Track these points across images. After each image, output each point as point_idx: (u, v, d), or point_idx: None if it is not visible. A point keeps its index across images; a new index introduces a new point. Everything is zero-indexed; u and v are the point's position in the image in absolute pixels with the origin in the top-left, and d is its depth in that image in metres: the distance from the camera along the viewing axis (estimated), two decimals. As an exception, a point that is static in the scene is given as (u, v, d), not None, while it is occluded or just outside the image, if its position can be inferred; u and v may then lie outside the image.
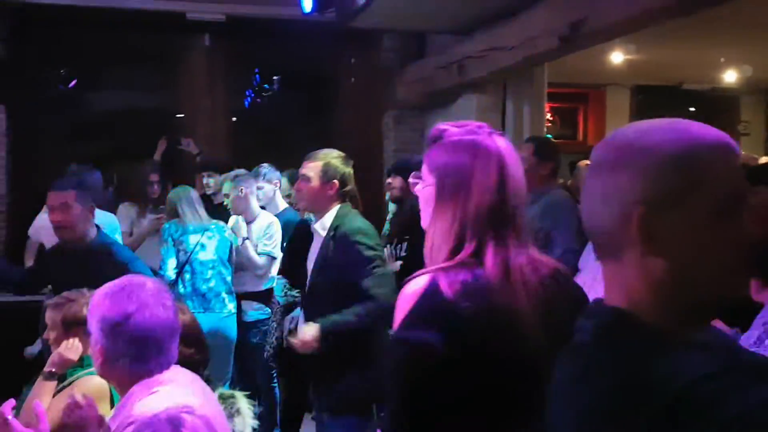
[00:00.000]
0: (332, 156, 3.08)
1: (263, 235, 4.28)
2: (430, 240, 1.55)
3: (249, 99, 6.64)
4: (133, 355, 1.89)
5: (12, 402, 2.11)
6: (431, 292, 1.44)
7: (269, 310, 4.09)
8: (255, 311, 4.32)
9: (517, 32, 4.24)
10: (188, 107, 6.23)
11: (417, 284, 1.48)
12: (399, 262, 3.61)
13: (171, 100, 6.43)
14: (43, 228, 4.02)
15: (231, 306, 4.24)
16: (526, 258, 1.50)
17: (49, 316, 2.79)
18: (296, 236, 3.65)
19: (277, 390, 4.21)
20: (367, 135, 6.22)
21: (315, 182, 3.04)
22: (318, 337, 2.85)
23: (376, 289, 2.85)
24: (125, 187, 5.51)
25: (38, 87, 5.99)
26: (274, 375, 4.16)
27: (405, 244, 3.64)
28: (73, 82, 6.36)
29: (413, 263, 1.88)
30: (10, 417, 2.02)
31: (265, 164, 4.57)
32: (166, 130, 5.79)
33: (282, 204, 4.56)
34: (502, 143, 1.57)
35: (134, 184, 5.10)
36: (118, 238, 3.96)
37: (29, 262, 4.39)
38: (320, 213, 3.10)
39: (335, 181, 3.04)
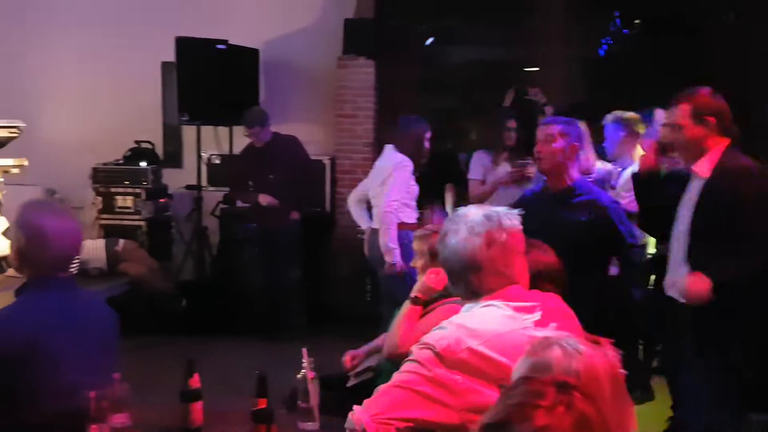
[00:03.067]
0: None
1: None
2: None
3: (605, 46, 6.27)
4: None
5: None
6: None
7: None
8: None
9: None
10: (540, 57, 6.12)
11: None
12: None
13: (522, 51, 6.37)
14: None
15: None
16: None
17: (417, 245, 2.89)
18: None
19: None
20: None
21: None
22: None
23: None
24: (480, 135, 5.60)
25: (401, 43, 6.35)
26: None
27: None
28: (430, 40, 6.63)
29: None
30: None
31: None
32: (515, 82, 5.77)
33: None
34: None
35: (489, 131, 5.13)
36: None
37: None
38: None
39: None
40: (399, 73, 6.23)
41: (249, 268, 6.05)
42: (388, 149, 4.67)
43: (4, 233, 4.89)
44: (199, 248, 6.47)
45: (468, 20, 6.39)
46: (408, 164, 4.51)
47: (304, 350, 2.37)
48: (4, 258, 5.54)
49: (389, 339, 2.79)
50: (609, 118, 4.39)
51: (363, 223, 4.99)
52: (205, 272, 6.43)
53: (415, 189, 4.63)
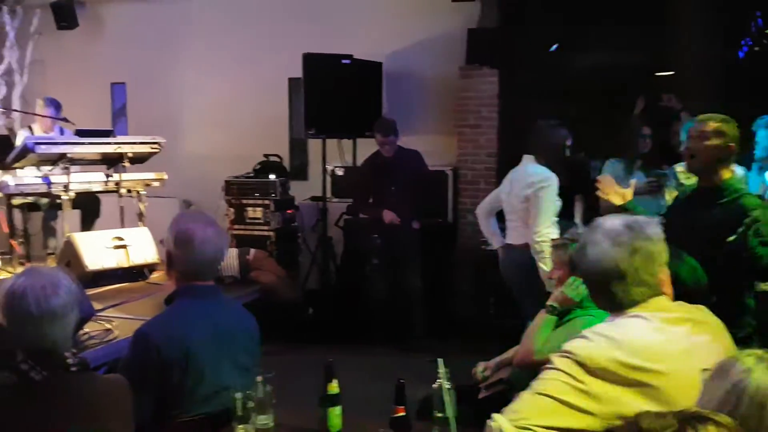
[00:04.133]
0: None
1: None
2: None
3: (746, 48, 5.92)
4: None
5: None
6: None
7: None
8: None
9: None
10: (673, 60, 5.84)
11: None
12: None
13: (654, 55, 6.11)
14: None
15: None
16: None
17: (556, 255, 2.83)
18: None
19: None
20: None
21: None
22: None
23: None
24: (611, 143, 5.41)
25: (525, 50, 6.26)
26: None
27: None
28: (555, 46, 6.49)
29: None
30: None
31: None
32: (646, 87, 5.56)
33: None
34: None
35: (622, 138, 4.95)
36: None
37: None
38: None
39: None
40: (523, 81, 6.13)
41: (372, 278, 6.12)
42: (527, 160, 4.34)
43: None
44: (324, 258, 6.61)
45: (595, 24, 6.20)
46: (553, 181, 4.16)
47: (440, 360, 2.35)
48: (147, 265, 5.88)
49: (524, 347, 2.74)
50: (761, 123, 4.11)
51: (495, 241, 4.66)
52: (330, 282, 6.57)
53: (559, 204, 4.29)
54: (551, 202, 4.15)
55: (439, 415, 2.28)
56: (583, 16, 6.02)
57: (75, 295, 2.15)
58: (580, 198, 5.51)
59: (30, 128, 6.62)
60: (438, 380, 2.32)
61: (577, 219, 5.26)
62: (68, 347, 2.07)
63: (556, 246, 2.86)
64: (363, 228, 6.33)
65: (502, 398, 2.95)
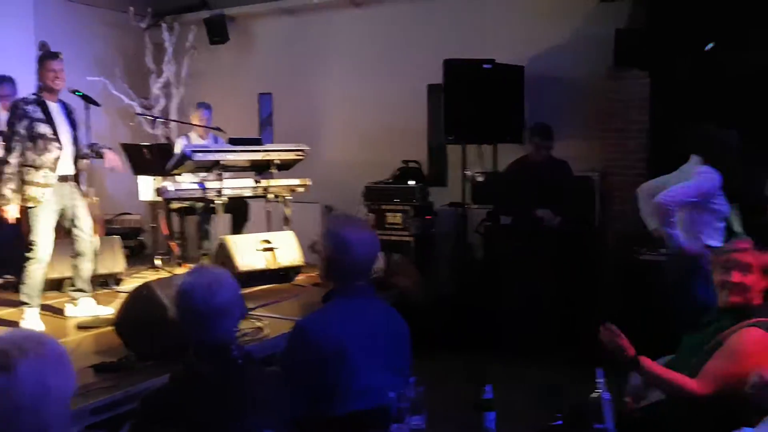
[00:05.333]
0: None
1: None
2: None
3: None
4: None
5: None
6: None
7: None
8: None
9: None
10: None
11: None
12: None
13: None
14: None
15: None
16: None
17: (741, 257, 2.73)
18: None
19: None
20: None
21: None
22: None
23: None
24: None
25: (677, 51, 5.94)
26: None
27: None
28: (710, 45, 6.11)
29: None
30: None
31: None
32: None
33: None
34: None
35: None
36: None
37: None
38: None
39: None
40: (677, 82, 5.82)
41: (512, 285, 6.00)
42: (694, 161, 4.16)
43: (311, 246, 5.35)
44: (462, 264, 6.57)
45: (754, 21, 5.77)
46: (715, 176, 3.99)
47: (600, 370, 2.26)
48: (293, 268, 6.08)
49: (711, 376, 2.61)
50: None
51: (652, 223, 4.34)
52: (468, 288, 6.51)
53: (723, 209, 4.09)
54: (702, 191, 4.00)
55: (598, 426, 2.20)
56: (741, 13, 5.63)
57: (238, 293, 2.25)
58: (735, 206, 5.16)
59: (187, 136, 7.04)
60: (597, 390, 2.24)
61: (736, 227, 4.91)
62: (233, 341, 2.17)
63: (740, 250, 2.74)
64: (503, 234, 6.24)
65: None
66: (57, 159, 4.67)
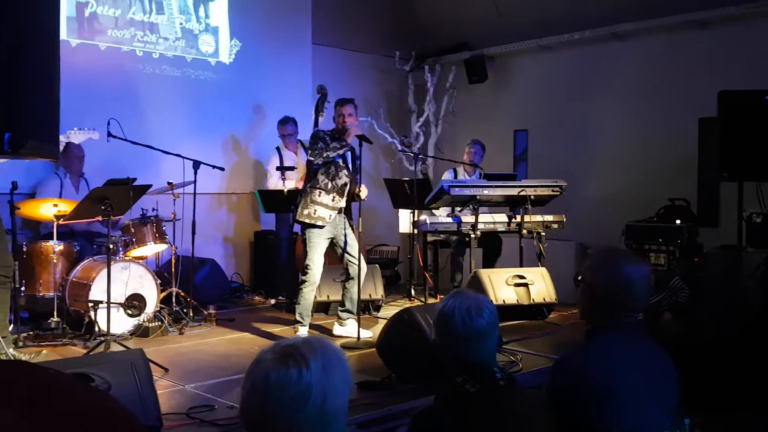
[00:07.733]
0: None
1: None
2: None
3: None
4: None
5: None
6: None
7: None
8: None
9: None
10: None
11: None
12: None
13: None
14: None
15: None
16: None
17: None
18: None
19: None
20: None
21: None
22: None
23: None
24: None
25: None
26: None
27: None
28: None
29: None
30: None
31: None
32: None
33: None
34: None
35: None
36: None
37: None
38: None
39: None
40: None
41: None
42: None
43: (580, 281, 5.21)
44: (736, 310, 5.95)
45: None
46: None
47: None
48: (546, 304, 5.95)
49: None
50: None
51: None
52: (740, 335, 5.86)
53: None
54: None
55: None
56: None
57: (497, 318, 2.25)
58: None
59: (454, 171, 7.24)
60: None
61: None
62: (495, 363, 2.16)
63: None
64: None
65: None
66: (345, 185, 5.19)
